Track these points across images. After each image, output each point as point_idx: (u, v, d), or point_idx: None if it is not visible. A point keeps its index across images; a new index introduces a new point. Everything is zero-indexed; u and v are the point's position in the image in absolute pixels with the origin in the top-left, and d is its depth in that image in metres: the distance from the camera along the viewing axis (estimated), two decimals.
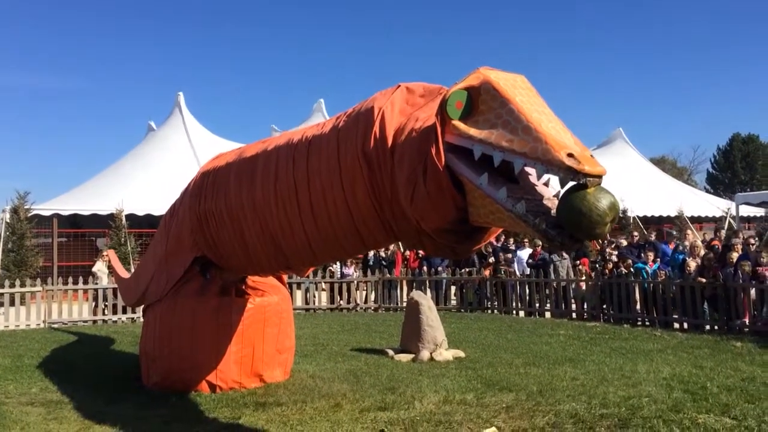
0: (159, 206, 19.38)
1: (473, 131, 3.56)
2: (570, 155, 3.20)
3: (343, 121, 4.72)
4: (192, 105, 27.61)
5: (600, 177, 3.26)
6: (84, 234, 20.62)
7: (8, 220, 18.10)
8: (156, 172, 22.18)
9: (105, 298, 13.60)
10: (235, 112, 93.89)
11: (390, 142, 4.11)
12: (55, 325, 12.79)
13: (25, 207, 18.34)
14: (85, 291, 13.49)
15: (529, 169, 3.48)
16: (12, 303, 12.92)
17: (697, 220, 27.07)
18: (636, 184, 28.11)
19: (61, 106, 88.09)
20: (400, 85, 4.47)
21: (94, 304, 13.55)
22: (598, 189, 3.27)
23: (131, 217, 19.45)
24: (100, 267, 14.96)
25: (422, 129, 3.89)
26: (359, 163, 4.34)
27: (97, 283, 13.76)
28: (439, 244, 4.06)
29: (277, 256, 5.71)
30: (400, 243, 14.98)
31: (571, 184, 3.28)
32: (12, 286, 13.09)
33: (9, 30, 76.59)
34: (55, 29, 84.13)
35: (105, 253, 15.45)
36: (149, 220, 19.83)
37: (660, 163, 44.92)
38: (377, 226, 4.46)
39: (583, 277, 13.44)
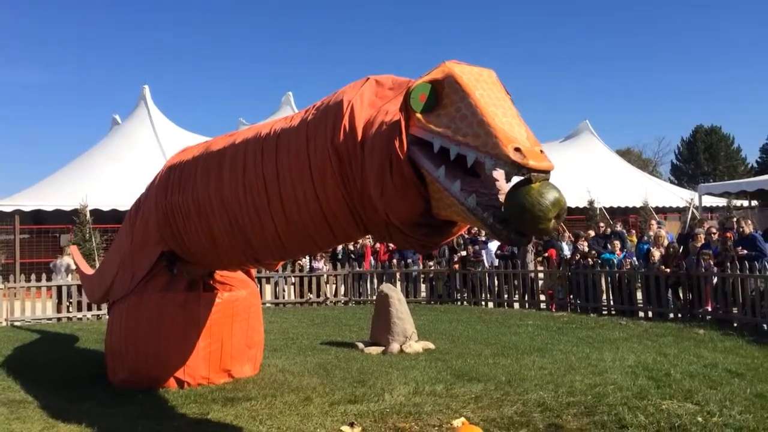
0: (124, 201, 19.00)
1: (433, 124, 3.58)
2: (517, 149, 3.21)
3: (312, 115, 4.69)
4: (158, 98, 27.29)
5: (546, 172, 3.27)
6: (47, 230, 20.19)
7: None
8: (121, 166, 21.83)
9: (69, 296, 13.34)
10: (202, 106, 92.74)
11: (360, 134, 4.11)
12: (18, 323, 12.52)
13: None
14: (49, 288, 13.22)
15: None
16: None
17: (662, 211, 27.58)
18: (602, 175, 28.53)
19: (23, 99, 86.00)
20: (369, 78, 4.46)
21: (57, 301, 13.29)
22: (543, 184, 3.27)
23: (96, 213, 19.08)
24: (69, 262, 14.65)
25: (391, 122, 3.90)
26: (329, 156, 4.32)
27: (60, 280, 13.50)
28: (408, 238, 4.07)
29: (245, 249, 5.66)
30: (370, 236, 15.02)
31: (518, 179, 3.31)
32: None
33: None
34: (13, 19, 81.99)
35: (69, 250, 15.18)
36: (115, 215, 19.47)
37: (626, 154, 45.60)
38: (347, 219, 4.46)
39: (555, 268, 13.59)
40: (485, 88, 3.54)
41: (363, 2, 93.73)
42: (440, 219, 3.86)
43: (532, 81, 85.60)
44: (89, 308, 13.22)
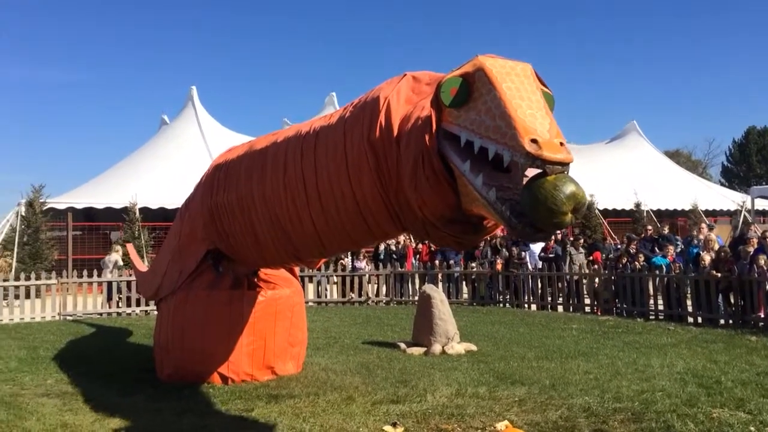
0: (172, 199, 19.49)
1: (462, 118, 3.53)
2: (534, 141, 3.11)
3: (350, 112, 4.69)
4: (205, 99, 27.76)
5: (561, 164, 3.14)
6: (98, 227, 20.77)
7: (24, 214, 18.29)
8: (169, 165, 22.30)
9: (119, 291, 13.71)
10: (247, 106, 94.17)
11: (395, 131, 4.09)
12: (70, 317, 12.92)
13: (40, 201, 18.53)
14: (99, 284, 13.61)
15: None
16: (27, 295, 13.05)
17: (712, 214, 26.85)
18: (650, 177, 27.95)
19: (76, 100, 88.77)
20: (406, 74, 4.43)
21: (107, 296, 13.68)
22: (559, 177, 3.15)
23: (144, 211, 19.58)
24: (117, 258, 15.08)
25: (424, 117, 3.86)
26: (365, 152, 4.31)
27: (113, 275, 13.90)
28: (444, 234, 4.02)
29: (287, 247, 5.71)
30: (411, 237, 15.00)
31: (535, 171, 3.21)
32: (28, 278, 13.22)
33: (22, 24, 77.16)
34: (69, 23, 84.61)
35: (117, 247, 15.63)
36: (162, 214, 19.95)
37: (674, 156, 44.56)
38: (384, 215, 4.43)
39: (602, 270, 13.36)
40: (514, 80, 3.45)
41: (407, 2, 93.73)
42: (473, 215, 3.81)
43: (579, 81, 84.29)
44: (138, 303, 13.58)
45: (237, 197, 6.05)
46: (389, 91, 4.28)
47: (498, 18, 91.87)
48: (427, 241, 13.97)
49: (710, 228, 14.21)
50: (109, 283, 13.76)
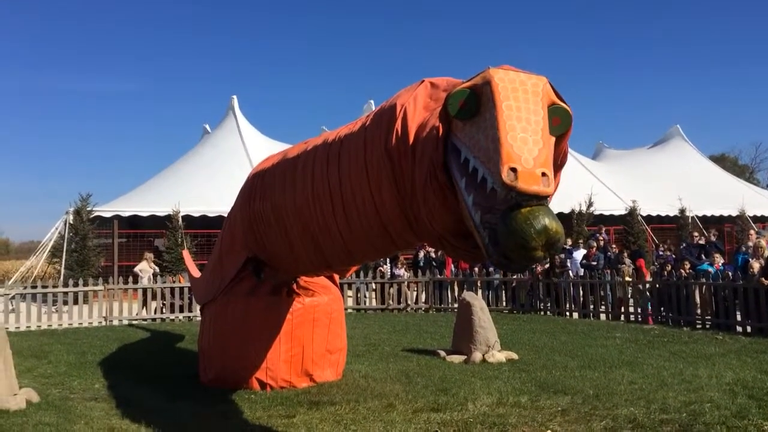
0: (213, 207, 19.82)
1: (465, 132, 3.41)
2: (513, 169, 2.98)
3: (370, 120, 4.64)
4: (245, 108, 28.16)
5: (537, 197, 3.00)
6: (143, 234, 21.22)
7: (71, 222, 18.78)
8: (210, 173, 22.66)
9: (163, 297, 13.97)
10: (286, 114, 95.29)
11: (412, 138, 3.98)
12: (116, 322, 13.20)
13: (87, 209, 18.99)
14: (145, 290, 13.91)
15: None
16: (75, 301, 13.42)
17: (760, 220, 26.04)
18: (694, 182, 27.28)
19: (121, 111, 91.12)
20: (424, 81, 4.33)
21: (142, 302, 13.93)
22: (533, 210, 3.01)
23: (187, 218, 19.94)
24: (143, 267, 15.40)
25: (436, 126, 3.73)
26: (383, 161, 4.23)
27: (146, 283, 14.19)
28: (456, 247, 3.92)
29: (317, 256, 5.71)
30: None
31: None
32: (75, 285, 13.59)
33: (67, 34, 79.48)
34: (115, 35, 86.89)
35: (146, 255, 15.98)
36: (204, 221, 20.29)
37: (720, 161, 43.37)
38: (404, 225, 4.34)
39: (648, 278, 13.10)
40: (519, 98, 3.28)
41: (446, 8, 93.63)
42: None
43: (621, 86, 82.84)
44: (181, 310, 13.81)
45: (272, 205, 6.09)
46: (407, 98, 4.20)
47: (539, 18, 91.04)
48: None
49: (759, 234, 13.78)
50: (144, 290, 14.02)
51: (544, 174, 3.04)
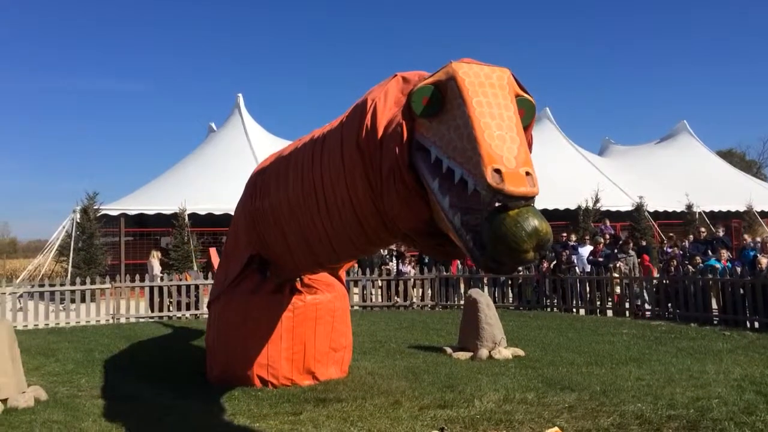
0: (219, 205, 19.86)
1: (432, 131, 3.32)
2: (497, 171, 2.89)
3: (347, 116, 4.60)
4: (251, 106, 28.15)
5: (525, 198, 2.93)
6: (149, 233, 21.28)
7: (78, 220, 18.86)
8: (216, 171, 22.69)
9: (170, 295, 14.01)
10: (292, 112, 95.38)
11: (380, 133, 3.90)
12: (123, 320, 13.25)
13: (94, 207, 19.07)
14: (152, 288, 13.96)
15: None
16: (83, 300, 13.47)
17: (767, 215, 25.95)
18: (701, 178, 27.20)
19: (128, 110, 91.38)
20: (396, 75, 4.27)
21: (149, 300, 13.96)
22: (522, 212, 2.93)
23: (193, 216, 19.99)
24: (154, 264, 15.48)
25: (398, 123, 3.63)
26: (356, 156, 4.18)
27: (162, 280, 14.23)
28: (428, 245, 3.85)
29: (308, 253, 5.71)
30: None
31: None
32: (83, 283, 13.65)
33: (74, 34, 79.75)
34: (121, 36, 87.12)
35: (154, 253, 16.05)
36: (210, 219, 20.35)
37: (727, 156, 43.14)
38: (378, 222, 4.25)
39: (656, 274, 13.06)
40: (488, 94, 3.20)
41: (451, 6, 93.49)
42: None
43: (627, 80, 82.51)
44: (188, 307, 13.85)
45: (270, 203, 6.12)
46: (378, 93, 4.14)
47: (549, 17, 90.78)
48: None
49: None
50: (151, 288, 14.05)
51: (528, 173, 2.96)
